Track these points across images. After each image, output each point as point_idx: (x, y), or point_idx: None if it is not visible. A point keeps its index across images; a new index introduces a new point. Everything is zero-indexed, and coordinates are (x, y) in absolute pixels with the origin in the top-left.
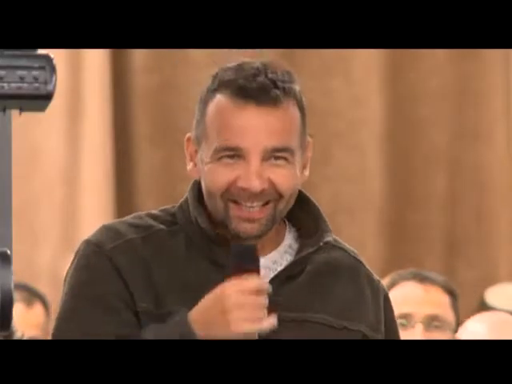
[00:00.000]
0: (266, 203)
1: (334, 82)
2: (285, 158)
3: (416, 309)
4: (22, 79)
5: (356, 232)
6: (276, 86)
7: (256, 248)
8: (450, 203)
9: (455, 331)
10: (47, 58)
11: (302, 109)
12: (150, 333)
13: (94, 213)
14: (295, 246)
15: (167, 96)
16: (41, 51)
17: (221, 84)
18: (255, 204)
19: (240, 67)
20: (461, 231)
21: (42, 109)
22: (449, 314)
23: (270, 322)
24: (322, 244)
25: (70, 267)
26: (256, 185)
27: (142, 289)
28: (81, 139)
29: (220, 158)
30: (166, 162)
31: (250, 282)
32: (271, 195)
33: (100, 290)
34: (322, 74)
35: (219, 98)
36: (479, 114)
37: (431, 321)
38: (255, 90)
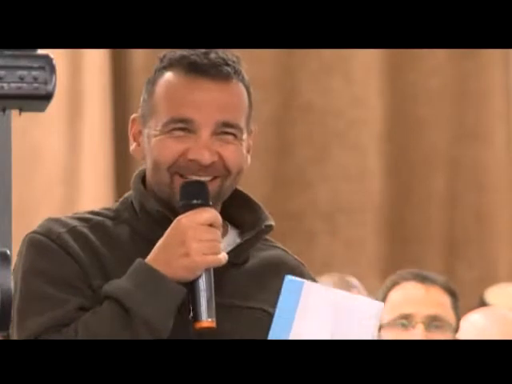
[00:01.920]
0: (213, 178)
1: (334, 81)
2: (233, 135)
3: (417, 309)
4: (21, 79)
5: (355, 232)
6: (227, 64)
7: (206, 184)
8: (450, 203)
9: (456, 331)
10: (47, 58)
11: (249, 93)
12: (116, 285)
13: None
14: (238, 240)
15: None
16: (41, 51)
17: (171, 62)
18: (202, 178)
19: (189, 49)
20: (460, 231)
21: (42, 109)
22: (449, 315)
23: (224, 256)
24: (263, 227)
25: (17, 260)
26: (206, 157)
27: (93, 268)
28: (81, 139)
29: (170, 131)
30: None
31: (204, 214)
32: (219, 170)
33: (57, 272)
34: (322, 73)
35: (169, 75)
36: (479, 114)
37: (432, 321)
38: (207, 66)
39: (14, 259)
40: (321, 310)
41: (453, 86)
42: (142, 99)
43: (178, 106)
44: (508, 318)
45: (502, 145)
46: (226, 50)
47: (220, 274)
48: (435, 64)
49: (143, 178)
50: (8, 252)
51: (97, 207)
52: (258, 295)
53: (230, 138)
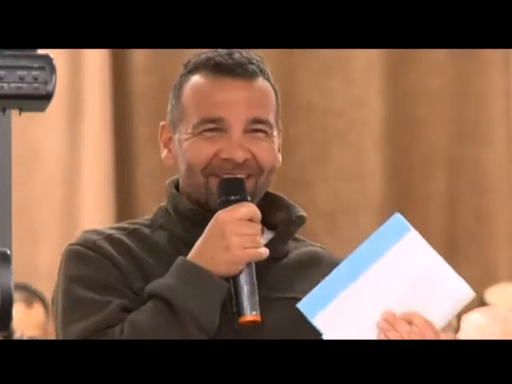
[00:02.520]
0: (247, 178)
1: (334, 81)
2: (264, 132)
3: None
4: (21, 79)
5: (355, 232)
6: (251, 63)
7: (244, 180)
8: (450, 203)
9: (456, 331)
10: (47, 58)
11: (275, 92)
12: (160, 283)
13: (94, 213)
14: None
15: (167, 96)
16: (41, 51)
17: (196, 65)
18: (240, 173)
19: (212, 51)
20: (461, 231)
21: (42, 109)
22: None
23: (265, 250)
24: (294, 218)
25: (58, 274)
26: (240, 155)
27: (133, 271)
28: (81, 139)
29: (201, 132)
30: None
31: (242, 209)
32: (252, 169)
33: (97, 277)
34: (322, 74)
35: (195, 78)
36: (479, 114)
37: None
38: (232, 65)
39: (14, 259)
40: (409, 264)
41: (453, 86)
42: (169, 106)
43: (208, 106)
44: (508, 317)
45: (502, 145)
46: (261, 59)
47: (260, 268)
48: (435, 64)
49: (176, 186)
50: (8, 252)
51: (97, 207)
52: (299, 286)
53: (262, 135)
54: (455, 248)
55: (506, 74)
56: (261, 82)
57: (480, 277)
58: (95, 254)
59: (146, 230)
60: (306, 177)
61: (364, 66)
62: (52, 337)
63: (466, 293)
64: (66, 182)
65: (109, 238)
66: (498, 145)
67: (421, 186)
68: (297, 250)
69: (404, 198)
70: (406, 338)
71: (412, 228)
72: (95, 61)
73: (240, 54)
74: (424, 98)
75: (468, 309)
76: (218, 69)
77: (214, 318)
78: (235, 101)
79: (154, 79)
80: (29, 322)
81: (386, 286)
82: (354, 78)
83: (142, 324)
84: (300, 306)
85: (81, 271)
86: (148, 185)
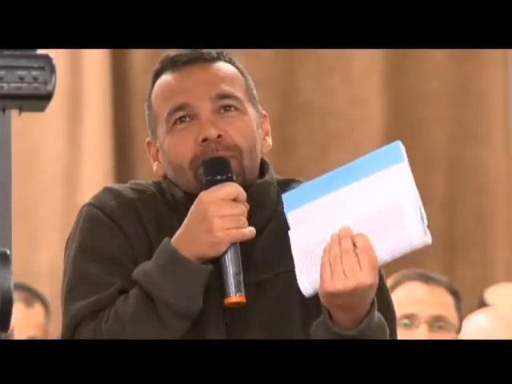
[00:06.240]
0: (231, 159)
1: (334, 82)
2: (235, 108)
3: (420, 309)
4: (21, 79)
5: None
6: (208, 52)
7: (227, 159)
8: (450, 204)
9: (458, 332)
10: (47, 58)
11: (241, 71)
12: (142, 269)
13: None
14: None
15: None
16: (40, 51)
17: (157, 71)
18: (221, 154)
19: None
20: (460, 231)
21: (42, 109)
22: (453, 315)
23: (250, 230)
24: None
25: (72, 231)
26: (212, 131)
27: (141, 245)
28: (81, 139)
29: (173, 125)
30: None
31: (225, 189)
32: (231, 147)
33: (107, 248)
34: (321, 74)
35: (159, 81)
36: (479, 115)
37: (435, 321)
38: (186, 56)
39: (14, 259)
40: (387, 192)
41: (453, 87)
42: (146, 120)
43: (172, 97)
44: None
45: (502, 145)
46: (224, 50)
47: (245, 249)
48: (435, 64)
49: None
50: (8, 252)
51: None
52: (284, 259)
53: (233, 113)
54: (455, 248)
55: (505, 74)
56: (221, 64)
57: (480, 277)
58: (108, 221)
59: (159, 197)
60: (305, 177)
61: (364, 66)
62: (52, 337)
63: (421, 239)
64: (66, 181)
65: (126, 203)
66: (498, 145)
67: (420, 186)
68: (276, 217)
69: None
70: (342, 255)
71: (406, 160)
72: (95, 61)
73: (195, 51)
74: (424, 98)
75: (468, 309)
76: (174, 64)
77: (192, 304)
78: (196, 84)
79: None
80: (28, 322)
81: (358, 205)
82: (354, 78)
83: (123, 312)
84: (284, 196)
85: (93, 241)
86: None
